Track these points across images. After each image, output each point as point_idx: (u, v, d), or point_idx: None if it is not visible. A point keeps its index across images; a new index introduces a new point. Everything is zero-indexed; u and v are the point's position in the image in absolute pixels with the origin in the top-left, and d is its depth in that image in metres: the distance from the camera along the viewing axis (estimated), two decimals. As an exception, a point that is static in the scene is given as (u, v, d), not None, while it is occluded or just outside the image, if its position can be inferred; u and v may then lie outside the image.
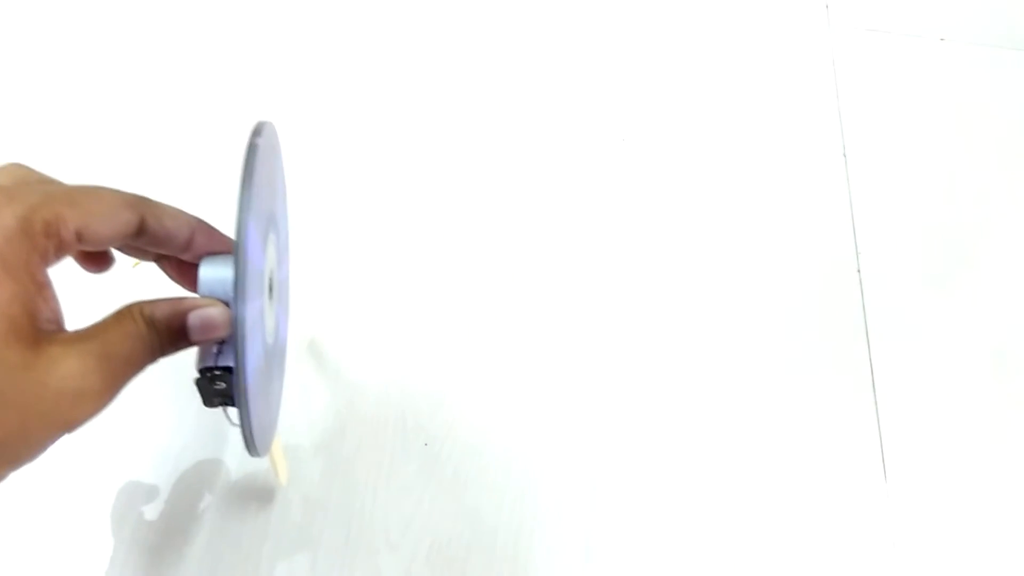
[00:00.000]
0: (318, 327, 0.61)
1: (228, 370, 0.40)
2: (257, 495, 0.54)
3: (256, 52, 0.76)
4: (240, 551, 0.52)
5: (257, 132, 0.40)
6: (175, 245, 0.41)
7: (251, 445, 0.41)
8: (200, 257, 0.42)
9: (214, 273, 0.40)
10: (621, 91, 0.76)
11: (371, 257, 0.65)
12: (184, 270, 0.43)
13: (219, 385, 0.41)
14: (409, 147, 0.71)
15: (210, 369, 0.41)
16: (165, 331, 0.38)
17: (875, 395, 0.60)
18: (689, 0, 0.83)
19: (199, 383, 0.41)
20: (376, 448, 0.56)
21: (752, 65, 0.79)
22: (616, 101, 0.75)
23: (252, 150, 0.39)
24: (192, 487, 0.54)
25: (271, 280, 0.45)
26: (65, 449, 0.48)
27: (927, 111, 0.76)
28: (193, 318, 0.38)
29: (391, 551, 0.52)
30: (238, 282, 0.37)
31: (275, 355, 0.47)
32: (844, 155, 0.73)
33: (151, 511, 0.53)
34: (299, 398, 0.58)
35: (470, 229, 0.67)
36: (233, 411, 0.42)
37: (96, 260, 0.43)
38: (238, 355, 0.37)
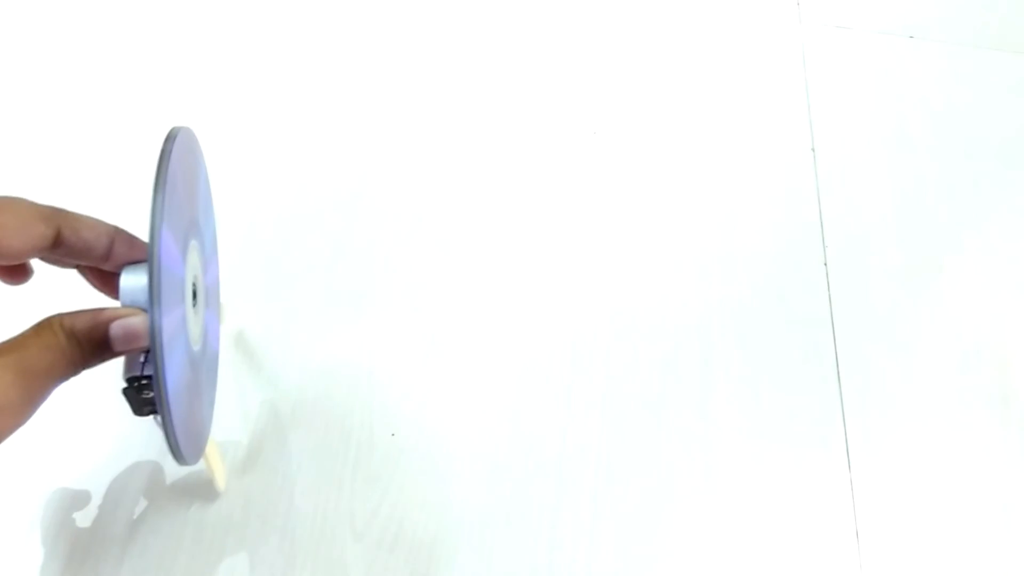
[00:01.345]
0: (280, 319, 0.61)
1: (149, 378, 0.40)
2: (204, 494, 0.54)
3: (180, 55, 0.76)
4: (202, 543, 0.51)
5: (170, 138, 0.40)
6: (94, 256, 0.41)
7: (177, 454, 0.41)
8: (121, 266, 0.41)
9: (134, 282, 0.40)
10: (593, 85, 0.76)
11: (335, 246, 0.65)
12: (106, 279, 0.43)
13: (147, 394, 0.41)
14: (358, 132, 0.71)
15: (137, 379, 0.41)
16: (87, 343, 0.38)
17: (840, 388, 0.61)
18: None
19: (126, 392, 0.41)
20: (342, 438, 0.56)
21: (722, 60, 0.79)
22: (588, 95, 0.75)
23: (164, 156, 0.39)
24: (132, 492, 0.53)
25: (195, 286, 0.45)
26: None
27: (896, 108, 0.77)
28: (115, 328, 0.38)
29: (356, 540, 0.52)
30: (153, 290, 0.36)
31: (204, 361, 0.47)
32: (813, 150, 0.73)
33: (85, 519, 0.52)
34: (262, 389, 0.57)
35: (441, 218, 0.67)
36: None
37: (13, 272, 0.43)
38: (157, 364, 0.37)
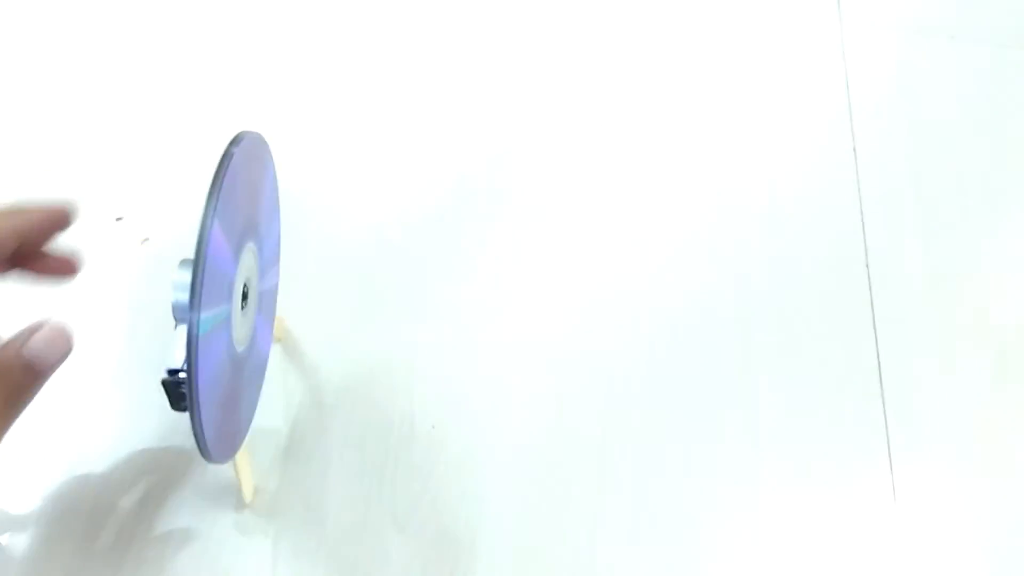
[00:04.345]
0: (322, 311, 0.61)
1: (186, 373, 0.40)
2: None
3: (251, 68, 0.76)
4: (242, 534, 0.52)
5: (235, 142, 0.40)
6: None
7: (203, 450, 0.41)
8: (43, 239, 0.44)
9: (181, 277, 0.39)
10: (632, 85, 0.76)
11: (378, 239, 0.65)
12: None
13: (185, 388, 0.41)
14: (401, 131, 0.72)
15: (176, 371, 0.41)
16: (10, 380, 0.37)
17: (882, 390, 0.60)
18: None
19: (166, 384, 0.41)
20: (383, 431, 0.56)
21: (763, 60, 0.79)
22: (631, 93, 0.75)
23: (226, 158, 0.39)
24: (171, 485, 0.53)
25: (247, 288, 0.45)
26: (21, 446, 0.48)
27: (937, 109, 0.76)
28: (31, 350, 0.38)
29: (398, 531, 0.52)
30: (194, 285, 0.37)
31: (247, 364, 0.47)
32: (854, 150, 0.73)
33: (129, 504, 0.53)
34: (303, 380, 0.58)
35: (483, 212, 0.67)
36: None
37: None
38: (189, 360, 0.37)
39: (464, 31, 0.79)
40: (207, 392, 0.40)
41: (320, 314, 0.61)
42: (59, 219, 0.44)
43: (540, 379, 0.59)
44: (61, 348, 0.39)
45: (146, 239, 0.62)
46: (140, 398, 0.55)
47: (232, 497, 0.52)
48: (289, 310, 0.59)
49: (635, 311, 0.62)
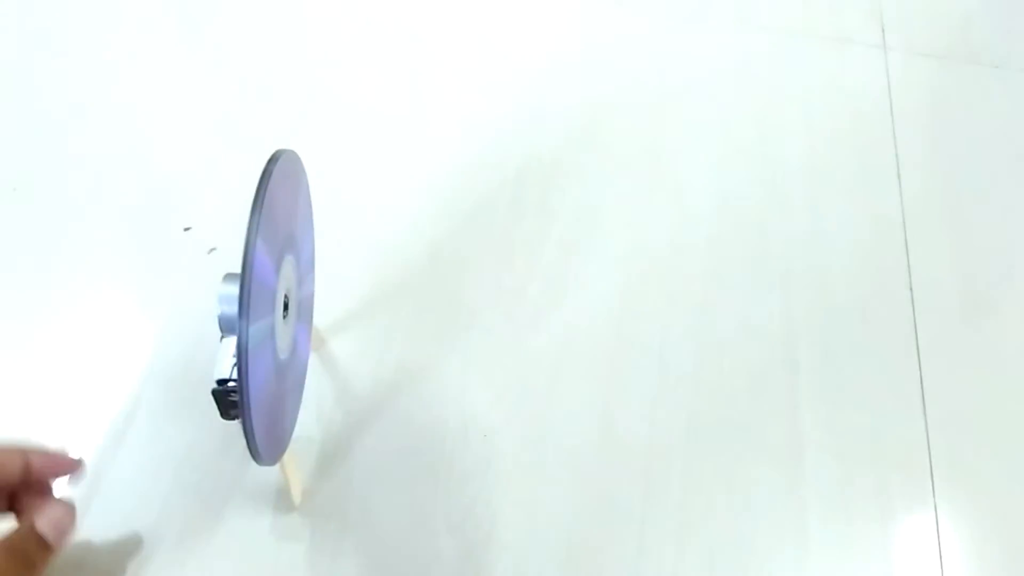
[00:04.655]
0: (380, 323, 0.63)
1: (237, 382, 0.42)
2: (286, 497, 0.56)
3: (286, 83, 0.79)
4: (294, 536, 0.54)
5: (273, 159, 0.43)
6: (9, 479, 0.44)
7: (256, 455, 0.43)
8: (48, 477, 0.45)
9: (226, 291, 0.42)
10: (671, 115, 0.78)
11: (432, 253, 0.67)
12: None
13: (233, 396, 0.44)
14: (442, 148, 0.74)
15: (225, 381, 0.44)
16: (20, 555, 0.41)
17: (925, 412, 0.61)
18: (746, 24, 0.84)
19: (215, 394, 0.44)
20: (437, 440, 0.58)
21: (809, 87, 0.80)
22: (668, 125, 0.77)
23: (265, 176, 0.42)
24: (221, 489, 0.56)
25: (287, 298, 0.47)
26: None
27: (980, 137, 0.77)
28: (43, 526, 0.42)
29: (450, 534, 0.54)
30: (242, 300, 0.39)
31: (290, 370, 0.50)
32: (898, 175, 0.74)
33: (184, 508, 0.55)
34: (361, 389, 0.60)
35: (514, 215, 0.69)
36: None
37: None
38: (240, 368, 0.39)
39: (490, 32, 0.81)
40: (257, 398, 0.42)
41: (376, 327, 0.63)
42: (67, 467, 0.46)
43: (588, 394, 0.60)
44: (69, 524, 0.43)
45: (213, 249, 0.65)
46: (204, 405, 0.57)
47: (279, 500, 0.54)
48: (331, 318, 0.62)
49: (684, 326, 0.64)
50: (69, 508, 0.43)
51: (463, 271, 0.66)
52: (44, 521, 0.42)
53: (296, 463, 0.55)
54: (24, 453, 0.44)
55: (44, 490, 0.46)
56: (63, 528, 0.43)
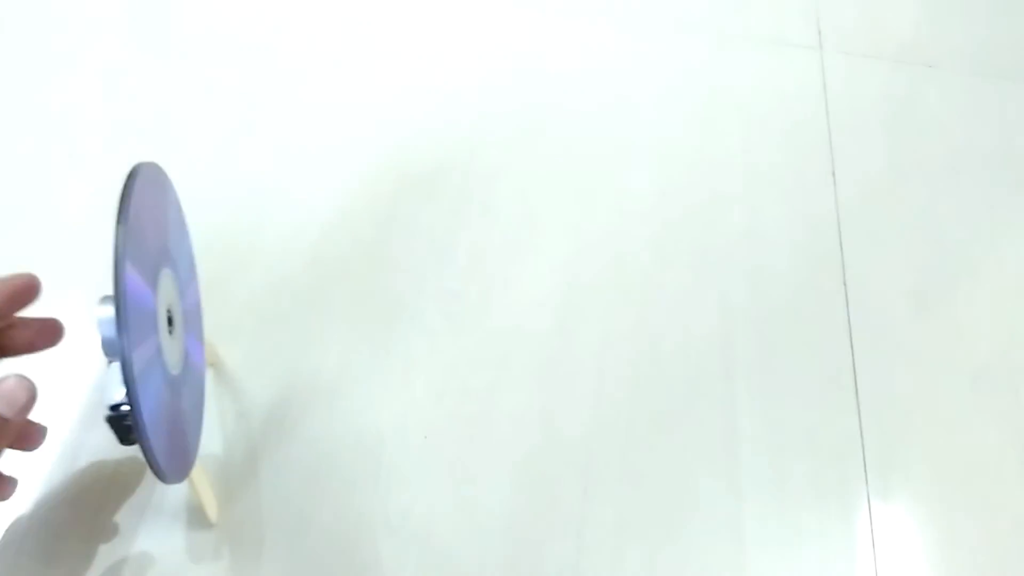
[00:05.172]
0: (302, 327, 0.63)
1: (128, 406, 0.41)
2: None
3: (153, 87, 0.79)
4: (222, 548, 0.54)
5: (132, 175, 0.41)
6: None
7: (161, 475, 0.43)
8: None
9: (104, 314, 0.40)
10: (618, 119, 0.79)
11: (357, 265, 0.67)
12: None
13: (129, 421, 0.42)
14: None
15: (118, 406, 0.42)
16: None
17: (858, 406, 0.62)
18: (683, 26, 0.86)
19: (110, 421, 0.42)
20: (377, 441, 0.58)
21: (746, 89, 0.81)
22: (611, 128, 0.78)
23: (125, 194, 0.40)
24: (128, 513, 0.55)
25: (171, 312, 0.47)
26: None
27: (913, 136, 0.79)
28: None
29: (391, 535, 0.54)
30: (120, 326, 0.38)
31: (185, 383, 0.49)
32: (833, 174, 0.75)
33: (89, 531, 0.55)
34: (290, 393, 0.60)
35: (439, 210, 0.69)
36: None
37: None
38: (131, 395, 0.39)
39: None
40: (152, 418, 0.41)
41: (299, 332, 0.63)
42: (25, 290, 0.42)
43: (528, 395, 0.61)
44: (24, 396, 0.39)
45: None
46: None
47: (193, 517, 0.54)
48: (228, 329, 0.61)
49: (623, 327, 0.65)
50: (22, 379, 0.38)
51: (402, 273, 0.66)
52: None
53: (208, 478, 0.54)
54: None
55: (16, 328, 0.41)
56: (16, 401, 0.38)
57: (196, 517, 0.54)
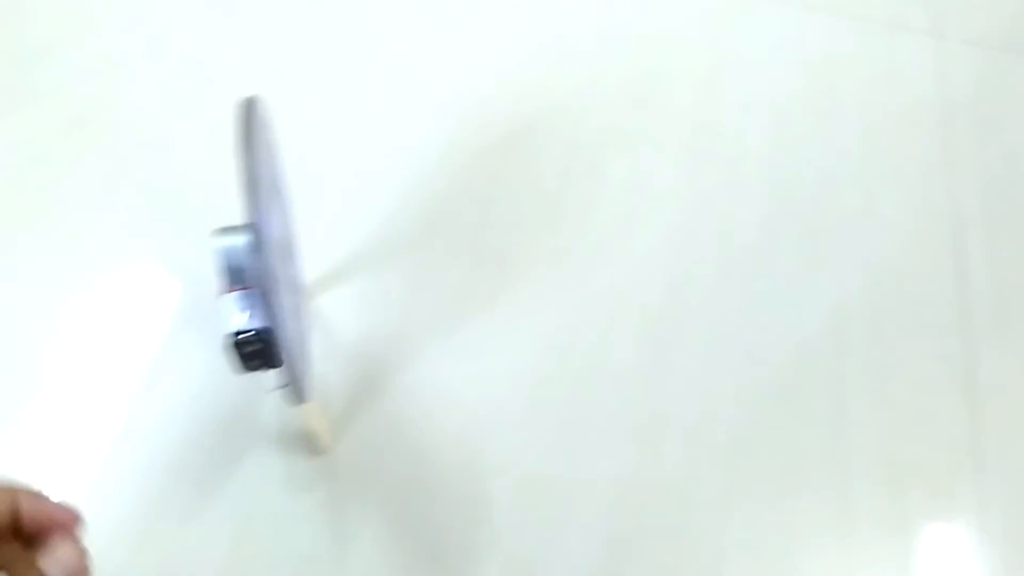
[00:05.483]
0: (410, 277, 0.63)
1: (261, 331, 0.42)
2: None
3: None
4: (354, 469, 0.54)
5: (249, 105, 0.42)
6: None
7: (298, 392, 0.43)
8: (40, 527, 0.35)
9: (228, 243, 0.42)
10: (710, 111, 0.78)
11: (469, 217, 0.67)
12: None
13: (252, 347, 0.43)
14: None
15: (241, 333, 0.43)
16: None
17: (972, 396, 0.61)
18: (803, 4, 0.84)
19: (232, 348, 0.43)
20: (487, 387, 0.58)
21: (862, 70, 0.80)
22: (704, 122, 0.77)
23: (249, 124, 0.41)
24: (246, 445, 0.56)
25: (282, 240, 0.48)
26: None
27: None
28: (51, 569, 0.34)
29: (500, 476, 0.54)
30: (260, 251, 0.39)
31: (300, 310, 0.50)
32: (948, 163, 0.73)
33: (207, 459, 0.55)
34: (397, 337, 0.60)
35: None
36: (272, 375, 0.45)
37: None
38: (271, 310, 0.40)
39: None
40: (289, 337, 0.42)
41: (402, 268, 0.63)
42: (64, 519, 0.36)
43: (635, 355, 0.60)
44: (81, 568, 0.34)
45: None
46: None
47: (303, 446, 0.55)
48: (342, 271, 0.62)
49: (732, 301, 0.64)
50: (80, 549, 0.35)
51: (510, 228, 0.66)
52: (51, 563, 0.34)
53: (320, 409, 0.55)
54: (13, 495, 0.35)
55: (35, 542, 0.36)
56: (73, 571, 0.35)
57: (307, 445, 0.55)
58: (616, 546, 0.53)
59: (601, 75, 0.77)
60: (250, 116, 0.41)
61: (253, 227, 0.39)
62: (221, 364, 0.45)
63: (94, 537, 0.44)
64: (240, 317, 0.44)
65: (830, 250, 0.67)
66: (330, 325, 0.60)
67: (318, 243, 0.57)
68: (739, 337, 0.62)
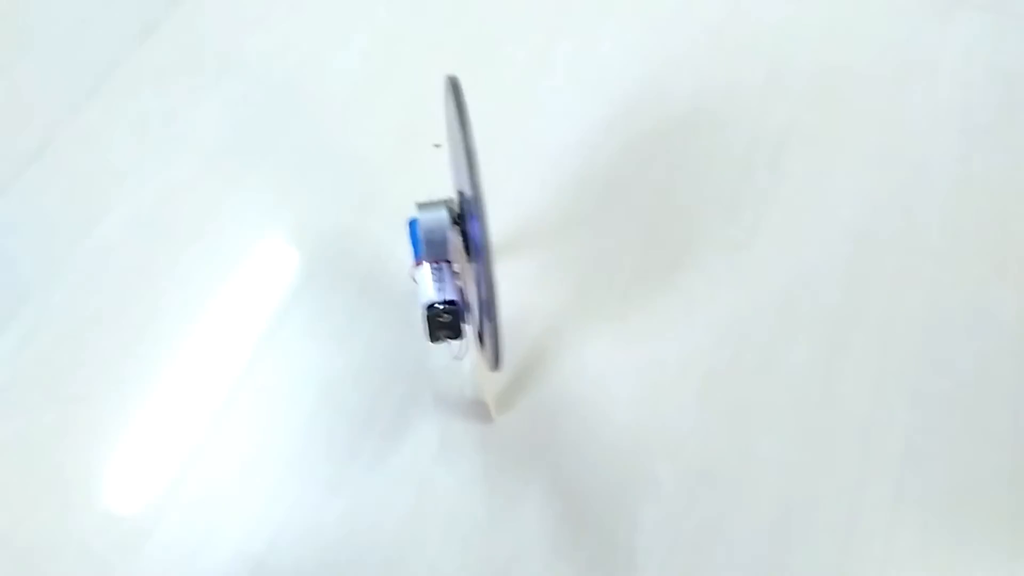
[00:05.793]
0: (592, 255, 0.65)
1: (452, 303, 0.47)
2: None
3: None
4: (525, 437, 0.57)
5: (456, 86, 0.44)
6: None
7: (498, 358, 0.46)
8: None
9: (434, 217, 0.45)
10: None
11: (647, 201, 0.69)
12: None
13: (444, 318, 0.47)
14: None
15: (435, 304, 0.47)
16: None
17: None
18: (996, 8, 0.81)
19: (427, 318, 0.47)
20: (658, 370, 0.60)
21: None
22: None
23: (460, 101, 0.43)
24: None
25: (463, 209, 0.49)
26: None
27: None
28: None
29: (668, 459, 0.56)
30: (476, 203, 0.41)
31: (490, 276, 0.52)
32: None
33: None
34: (574, 312, 0.62)
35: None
36: (456, 344, 0.49)
37: None
38: (488, 273, 0.41)
39: None
40: (485, 307, 0.44)
41: (586, 247, 0.65)
42: None
43: (809, 349, 0.61)
44: None
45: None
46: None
47: (476, 411, 0.58)
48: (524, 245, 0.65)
49: (911, 302, 0.63)
50: None
51: (688, 219, 0.67)
52: None
53: (493, 378, 0.58)
54: None
55: None
56: None
57: (480, 413, 0.58)
58: (779, 538, 0.53)
59: (787, 70, 0.76)
60: (458, 93, 0.44)
61: (473, 199, 0.41)
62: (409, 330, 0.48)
63: (292, 477, 0.49)
64: (435, 289, 0.47)
65: (1017, 258, 0.65)
66: (503, 299, 0.62)
67: (496, 219, 0.60)
68: (918, 343, 0.61)
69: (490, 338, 0.45)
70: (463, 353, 0.53)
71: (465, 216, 0.46)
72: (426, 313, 0.47)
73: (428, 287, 0.48)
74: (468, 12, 0.79)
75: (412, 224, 0.54)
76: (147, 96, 0.73)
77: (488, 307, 0.43)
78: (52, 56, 0.76)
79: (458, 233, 0.46)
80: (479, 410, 0.58)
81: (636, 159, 0.70)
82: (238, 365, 0.61)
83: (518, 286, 0.63)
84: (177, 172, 0.69)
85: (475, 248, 0.44)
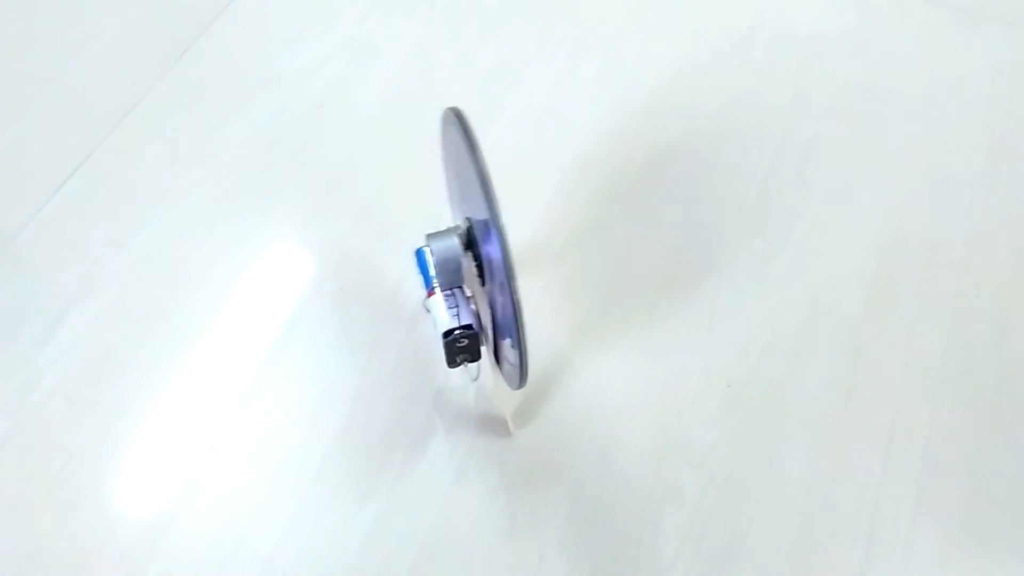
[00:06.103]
0: (610, 267, 0.66)
1: (468, 327, 0.48)
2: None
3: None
4: (543, 452, 0.58)
5: (458, 115, 0.44)
6: None
7: (523, 375, 0.46)
8: None
9: (446, 245, 0.46)
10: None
11: (672, 217, 0.69)
12: None
13: (462, 343, 0.48)
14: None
15: (452, 331, 0.48)
16: None
17: None
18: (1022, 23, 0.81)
19: (445, 345, 0.49)
20: (682, 381, 0.60)
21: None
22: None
23: (467, 128, 0.43)
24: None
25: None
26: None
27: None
28: None
29: (692, 468, 0.57)
30: (502, 246, 0.41)
31: (506, 296, 0.52)
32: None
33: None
34: (596, 325, 0.63)
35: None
36: (473, 366, 0.51)
37: None
38: (513, 289, 0.42)
39: None
40: (505, 327, 0.45)
41: (605, 259, 0.66)
42: None
43: (832, 362, 0.61)
44: None
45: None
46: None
47: (495, 426, 0.59)
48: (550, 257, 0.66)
49: (935, 319, 0.63)
50: None
51: (712, 230, 0.68)
52: None
53: (510, 400, 0.58)
54: None
55: None
56: None
57: (500, 427, 0.59)
58: (802, 546, 0.54)
59: (814, 84, 0.77)
60: (463, 122, 0.44)
61: (492, 224, 0.42)
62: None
63: (322, 485, 0.50)
64: (450, 316, 0.49)
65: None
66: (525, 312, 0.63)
67: (517, 233, 0.61)
68: (941, 355, 0.61)
69: (514, 357, 0.45)
70: (479, 373, 0.55)
71: (477, 240, 0.46)
72: (444, 341, 0.49)
73: (443, 315, 0.49)
74: (497, 32, 0.81)
75: (419, 254, 0.56)
76: (182, 115, 0.75)
77: (512, 328, 0.44)
78: (89, 75, 0.78)
79: (471, 258, 0.47)
80: (498, 425, 0.59)
81: (662, 173, 0.71)
82: (258, 376, 0.62)
83: (541, 299, 0.64)
84: (211, 190, 0.71)
85: (489, 271, 0.45)
